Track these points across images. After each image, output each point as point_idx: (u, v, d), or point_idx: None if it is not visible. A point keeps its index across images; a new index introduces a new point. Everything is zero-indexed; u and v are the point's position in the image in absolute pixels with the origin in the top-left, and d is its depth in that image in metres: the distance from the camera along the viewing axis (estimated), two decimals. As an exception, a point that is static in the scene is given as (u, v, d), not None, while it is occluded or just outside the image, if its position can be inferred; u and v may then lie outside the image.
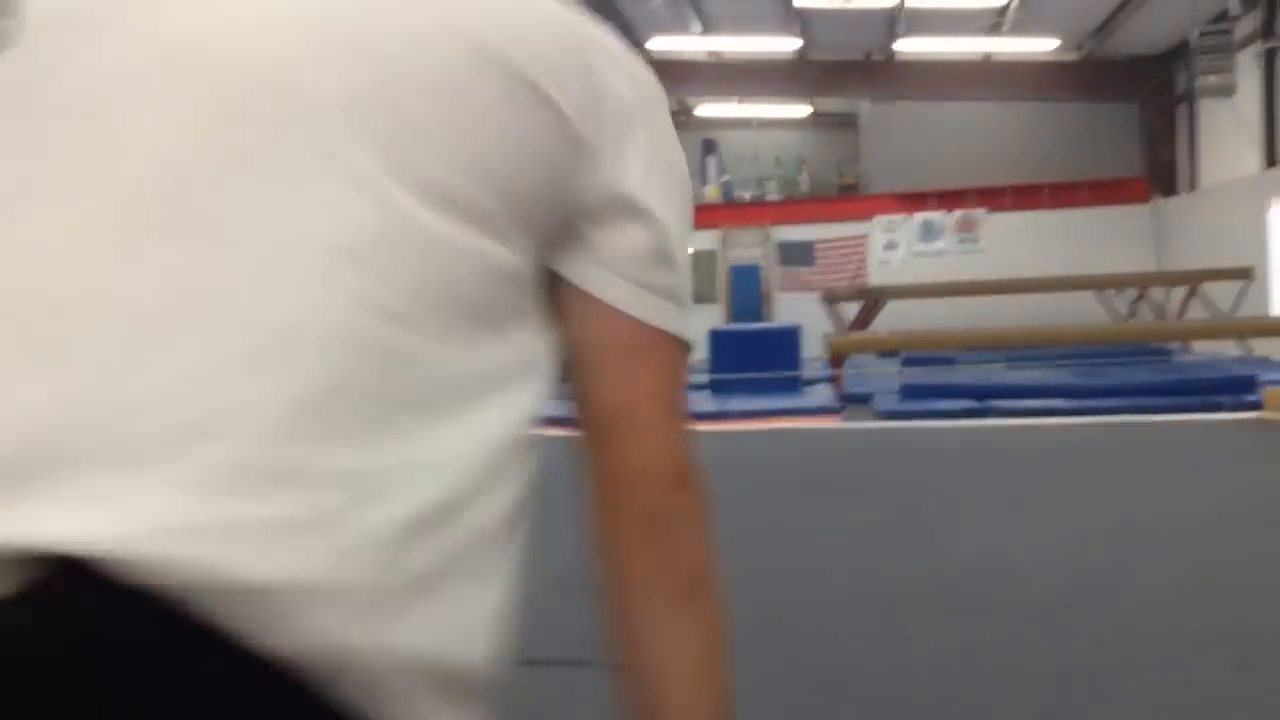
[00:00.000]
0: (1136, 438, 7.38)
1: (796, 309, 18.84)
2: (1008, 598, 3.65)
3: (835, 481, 5.85)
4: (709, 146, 22.99)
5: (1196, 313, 15.40)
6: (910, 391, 10.34)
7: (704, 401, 12.01)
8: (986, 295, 16.38)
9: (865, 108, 21.10)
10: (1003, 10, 15.61)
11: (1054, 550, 4.27)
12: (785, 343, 12.81)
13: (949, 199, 20.16)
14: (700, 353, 13.87)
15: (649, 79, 0.78)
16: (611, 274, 0.69)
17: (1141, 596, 3.61)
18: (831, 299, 16.74)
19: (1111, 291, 16.70)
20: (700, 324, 15.52)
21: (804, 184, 22.60)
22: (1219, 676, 2.88)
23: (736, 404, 11.28)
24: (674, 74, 20.40)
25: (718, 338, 13.17)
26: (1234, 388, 9.76)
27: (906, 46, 17.84)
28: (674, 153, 0.75)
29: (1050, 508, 5.07)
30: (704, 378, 13.24)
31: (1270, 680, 2.86)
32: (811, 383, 12.71)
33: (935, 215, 20.29)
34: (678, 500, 0.73)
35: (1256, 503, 5.05)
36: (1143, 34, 16.55)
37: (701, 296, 21.51)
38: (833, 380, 11.81)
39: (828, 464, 6.64)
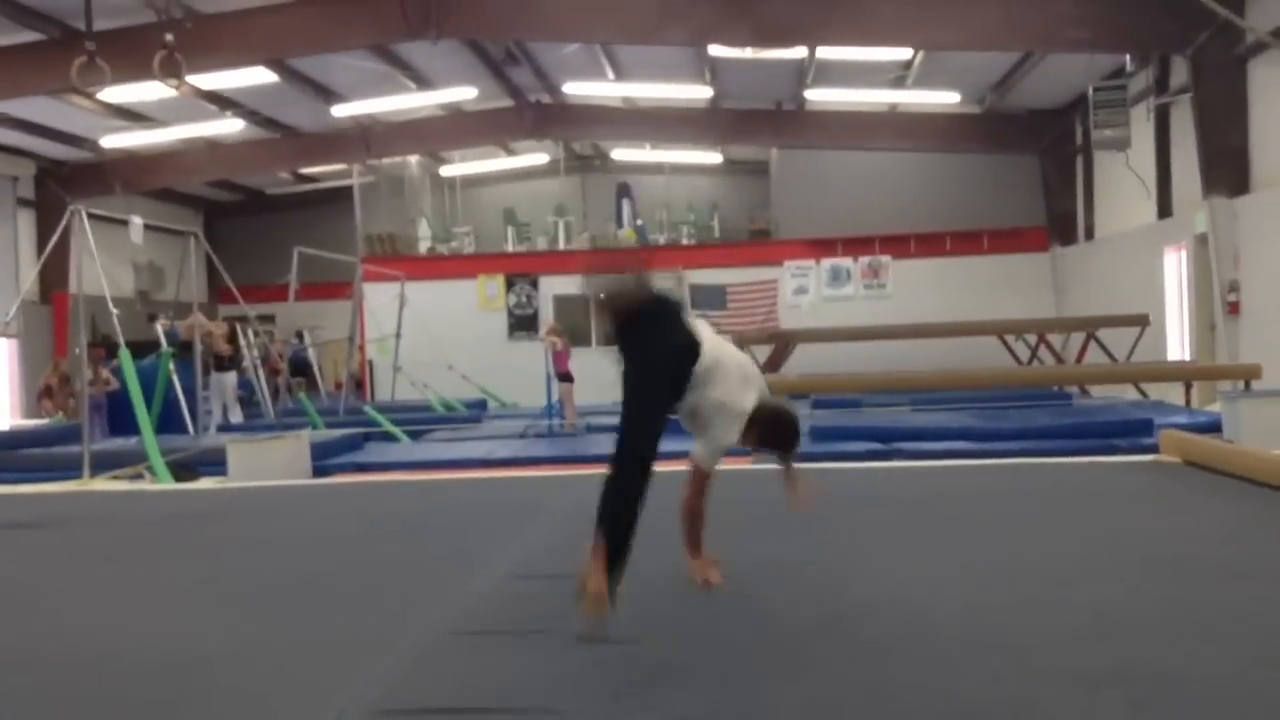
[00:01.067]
0: (1037, 480, 7.50)
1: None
2: (910, 639, 3.66)
3: (741, 522, 5.83)
4: (624, 190, 23.13)
5: (1095, 357, 15.84)
6: (819, 434, 10.43)
7: (612, 442, 11.99)
8: (893, 340, 16.68)
9: (776, 155, 21.44)
10: (907, 64, 16.03)
11: (956, 590, 4.30)
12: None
13: (856, 245, 20.56)
14: (616, 394, 13.85)
15: None
16: None
17: (1040, 637, 3.64)
18: (743, 342, 16.85)
19: (1013, 336, 17.12)
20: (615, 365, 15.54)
21: (716, 229, 22.83)
22: (1115, 716, 2.90)
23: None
24: (588, 118, 20.54)
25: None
26: (1131, 431, 10.04)
27: (816, 96, 18.20)
28: None
29: (953, 549, 5.12)
30: (614, 419, 13.23)
31: (1165, 720, 2.88)
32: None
33: (843, 261, 20.66)
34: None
35: (1152, 544, 5.15)
36: (1042, 88, 17.12)
37: (616, 339, 21.60)
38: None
39: (735, 505, 6.63)
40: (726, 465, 8.89)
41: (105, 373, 13.43)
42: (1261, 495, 6.29)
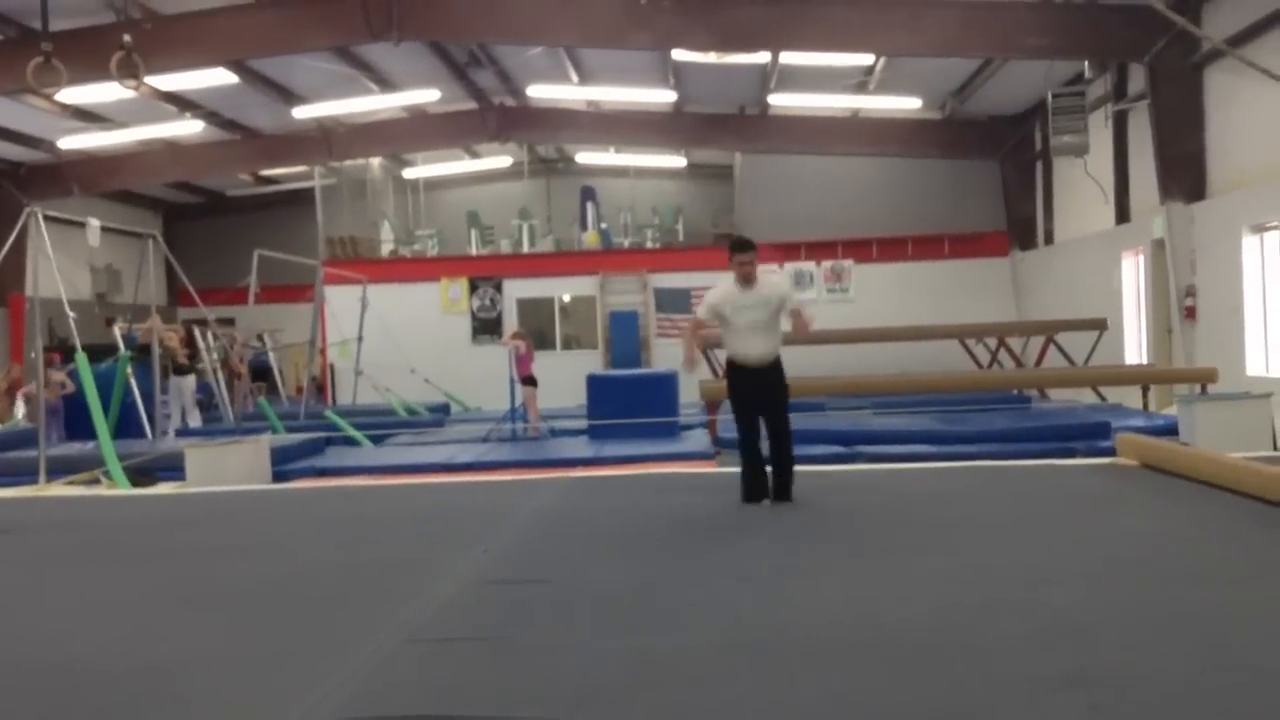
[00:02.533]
0: (996, 483, 7.57)
1: (674, 354, 19.00)
2: (873, 643, 3.68)
3: (705, 527, 5.84)
4: (588, 193, 23.10)
5: (1054, 361, 16.00)
6: (782, 437, 10.42)
7: (580, 446, 11.96)
8: (855, 343, 16.76)
9: (740, 159, 21.49)
10: (869, 70, 16.12)
11: (916, 594, 4.33)
12: (662, 388, 12.86)
13: (819, 249, 20.65)
14: (580, 397, 13.85)
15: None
16: None
17: (1000, 640, 3.68)
18: (706, 346, 16.88)
19: (973, 340, 17.26)
20: (579, 368, 15.52)
21: (680, 233, 22.86)
22: (1074, 719, 2.93)
23: (613, 449, 11.26)
24: (552, 122, 20.50)
25: (595, 383, 13.14)
26: (1089, 434, 10.14)
27: (779, 101, 18.27)
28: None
29: (914, 552, 5.15)
30: (581, 423, 13.21)
31: (1123, 722, 2.91)
32: (689, 428, 12.77)
33: (806, 265, 20.74)
34: None
35: (1110, 547, 5.21)
36: (1002, 95, 17.28)
37: (581, 342, 21.55)
38: (707, 426, 11.88)
39: (700, 510, 6.64)
40: (688, 469, 8.87)
41: (61, 375, 13.25)
42: (1217, 498, 6.38)
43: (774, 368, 6.72)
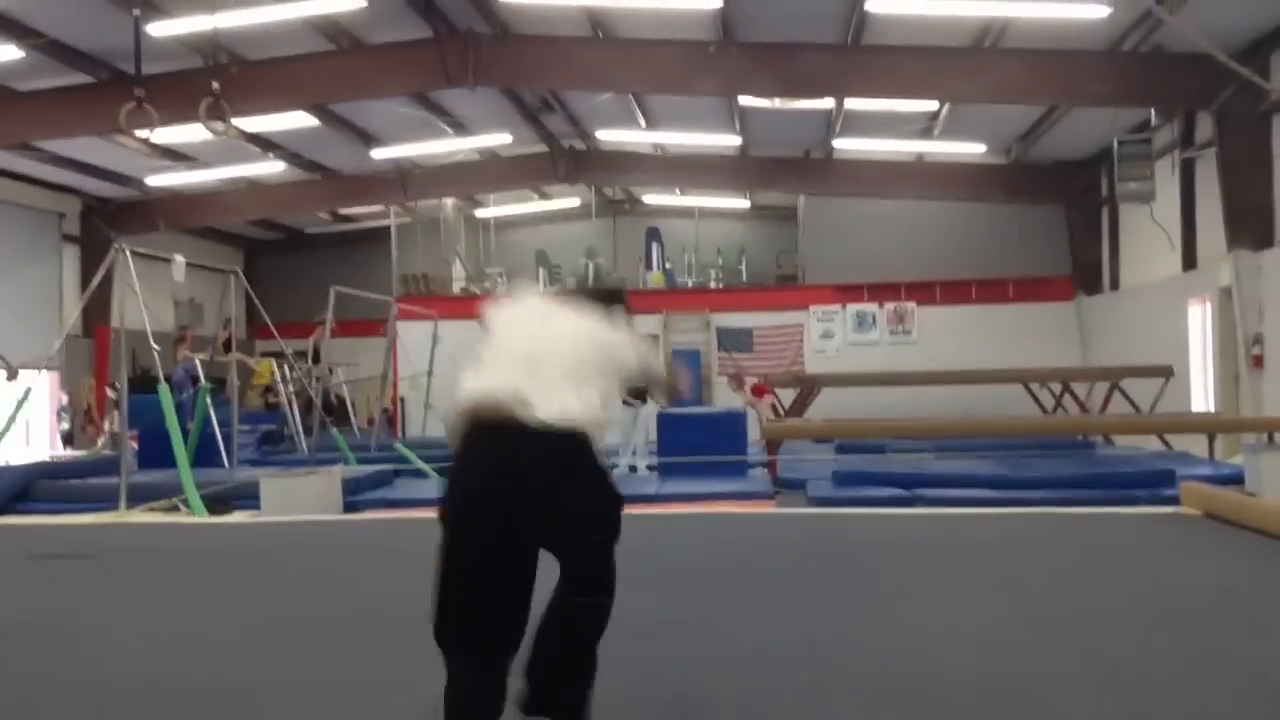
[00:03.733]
0: (1057, 529, 7.57)
1: (735, 394, 19.11)
2: (926, 688, 3.75)
3: (764, 568, 5.95)
4: (653, 234, 23.36)
5: (1119, 407, 15.84)
6: (842, 479, 10.52)
7: (646, 483, 12.11)
8: (917, 386, 16.74)
9: (803, 201, 21.62)
10: (934, 115, 16.20)
11: (972, 640, 4.39)
12: (730, 428, 12.97)
13: (881, 292, 20.66)
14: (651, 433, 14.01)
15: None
16: None
17: (1054, 687, 3.73)
18: (770, 384, 17.00)
19: (1037, 384, 17.13)
20: (645, 406, 15.66)
21: (743, 273, 23.00)
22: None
23: (677, 486, 11.39)
24: (620, 165, 20.81)
25: (665, 421, 13.28)
26: (1153, 482, 10.05)
27: (843, 145, 18.40)
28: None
29: (971, 597, 5.21)
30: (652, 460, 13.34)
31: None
32: (751, 467, 12.86)
33: (869, 307, 20.76)
34: None
35: (1169, 596, 5.22)
36: (1067, 140, 17.24)
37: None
38: (768, 465, 11.97)
39: (758, 550, 6.74)
40: (743, 509, 8.92)
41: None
42: None
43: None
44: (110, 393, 14.05)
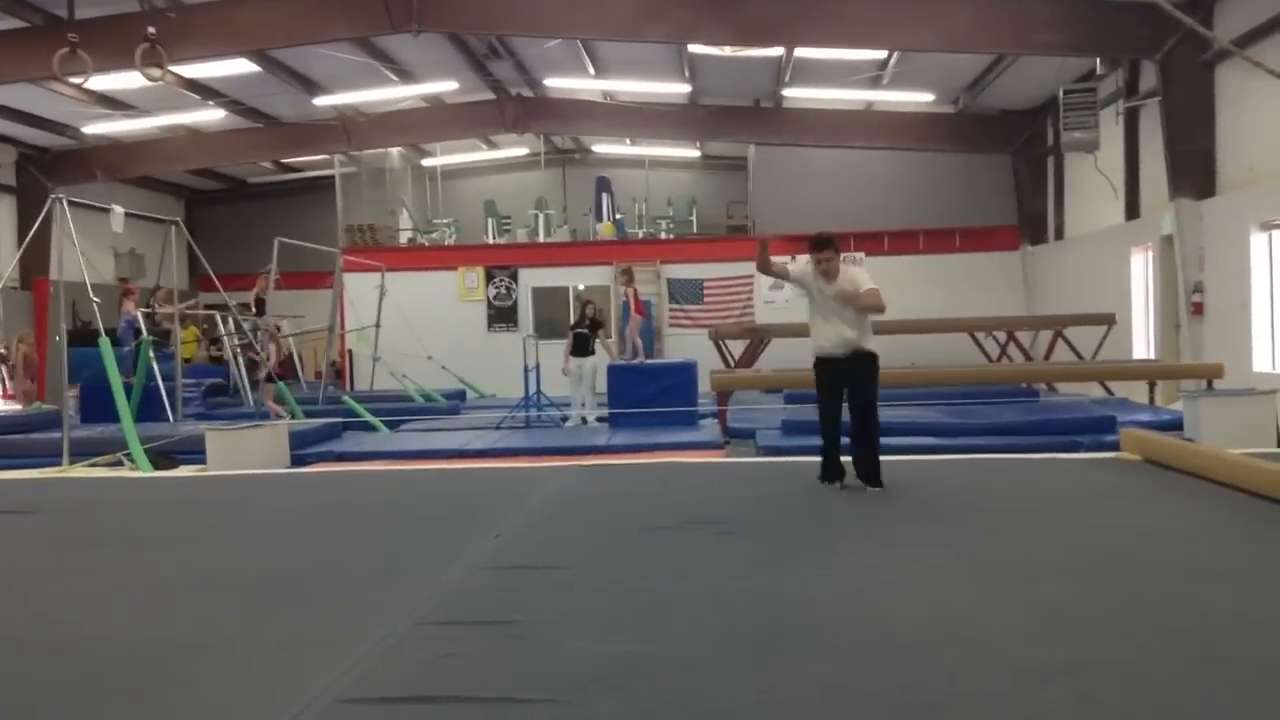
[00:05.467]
0: (1000, 475, 7.69)
1: (686, 344, 19.13)
2: (868, 633, 3.80)
3: (712, 518, 5.98)
4: (603, 184, 23.21)
5: (1062, 355, 16.07)
6: (790, 428, 10.59)
7: (596, 434, 12.13)
8: (866, 336, 16.86)
9: (754, 151, 21.57)
10: (883, 64, 16.19)
11: (915, 585, 4.45)
12: (681, 378, 13.01)
13: (831, 242, 20.74)
14: (597, 385, 14.02)
15: None
16: None
17: (994, 631, 3.79)
18: (718, 336, 17.05)
19: (983, 333, 17.33)
20: (596, 357, 15.69)
21: (694, 223, 22.96)
22: (1062, 710, 3.03)
23: (627, 437, 11.42)
24: (569, 113, 20.63)
25: (615, 372, 13.28)
26: (1094, 428, 10.24)
27: (793, 94, 18.35)
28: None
29: (914, 543, 5.27)
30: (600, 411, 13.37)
31: (1110, 714, 3.03)
32: (702, 417, 12.92)
33: (819, 257, 20.84)
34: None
35: (1109, 541, 5.31)
36: (1014, 90, 17.32)
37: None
38: (718, 416, 12.02)
39: (706, 499, 6.78)
40: (701, 458, 8.99)
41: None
42: (1219, 494, 6.47)
43: (861, 356, 7.07)
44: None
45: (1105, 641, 3.64)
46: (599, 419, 13.26)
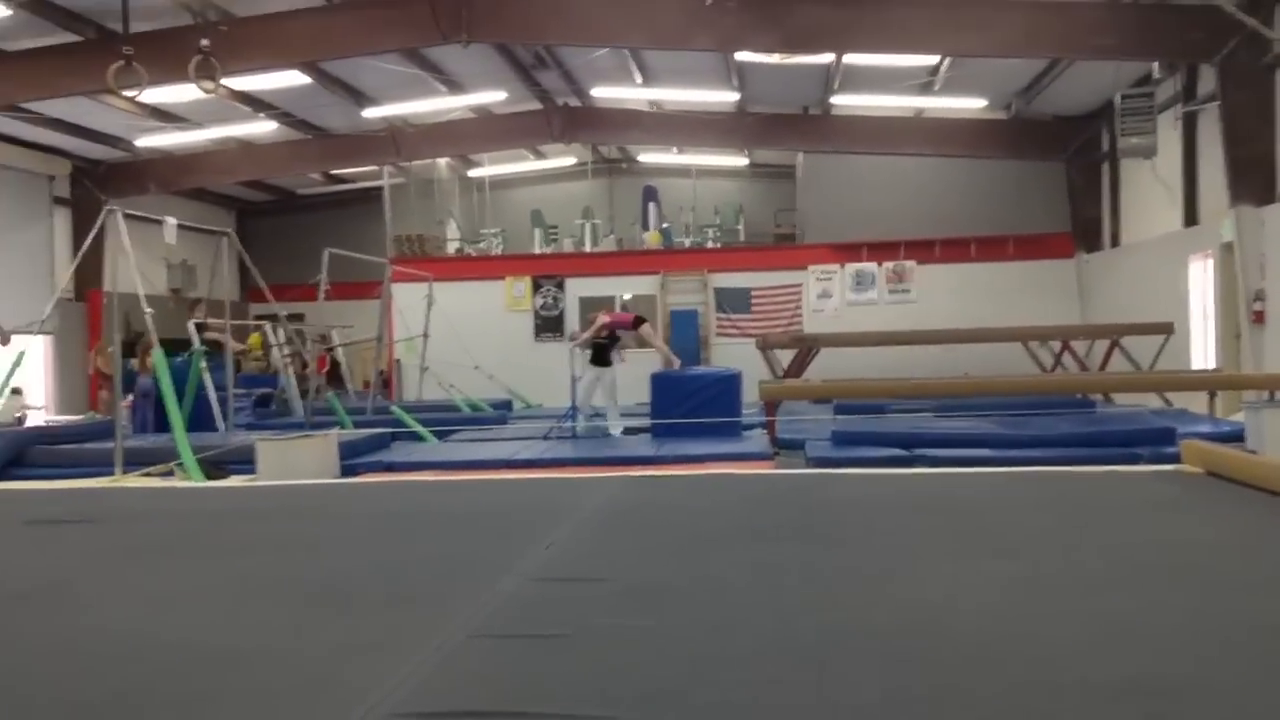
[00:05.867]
0: (1058, 488, 7.53)
1: (733, 353, 19.05)
2: (930, 647, 3.71)
3: (765, 529, 5.90)
4: (650, 193, 23.22)
5: (1119, 365, 15.80)
6: (841, 439, 10.49)
7: (643, 445, 12.07)
8: (917, 345, 16.68)
9: (802, 159, 21.46)
10: (934, 70, 16.04)
11: (975, 599, 4.35)
12: (726, 388, 12.93)
13: (880, 250, 20.56)
14: (640, 395, 13.96)
15: None
16: None
17: (1057, 646, 3.68)
18: (766, 345, 16.94)
19: (1037, 343, 17.09)
20: (640, 367, 15.67)
21: (741, 232, 22.87)
22: (1131, 726, 2.93)
23: (674, 448, 11.35)
24: (616, 123, 20.64)
25: (659, 382, 13.23)
26: (1153, 440, 10.05)
27: (842, 101, 18.23)
28: None
29: (973, 556, 5.16)
30: (644, 421, 13.33)
31: (1179, 730, 2.92)
32: (749, 428, 12.83)
33: (868, 266, 20.66)
34: None
35: (1172, 554, 5.17)
36: (1068, 95, 17.09)
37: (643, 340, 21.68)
38: (766, 426, 11.93)
39: (758, 510, 6.70)
40: (748, 469, 8.95)
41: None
42: (1282, 507, 6.30)
43: None
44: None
45: (1171, 658, 3.53)
46: (624, 431, 13.26)
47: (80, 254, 12.99)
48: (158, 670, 3.73)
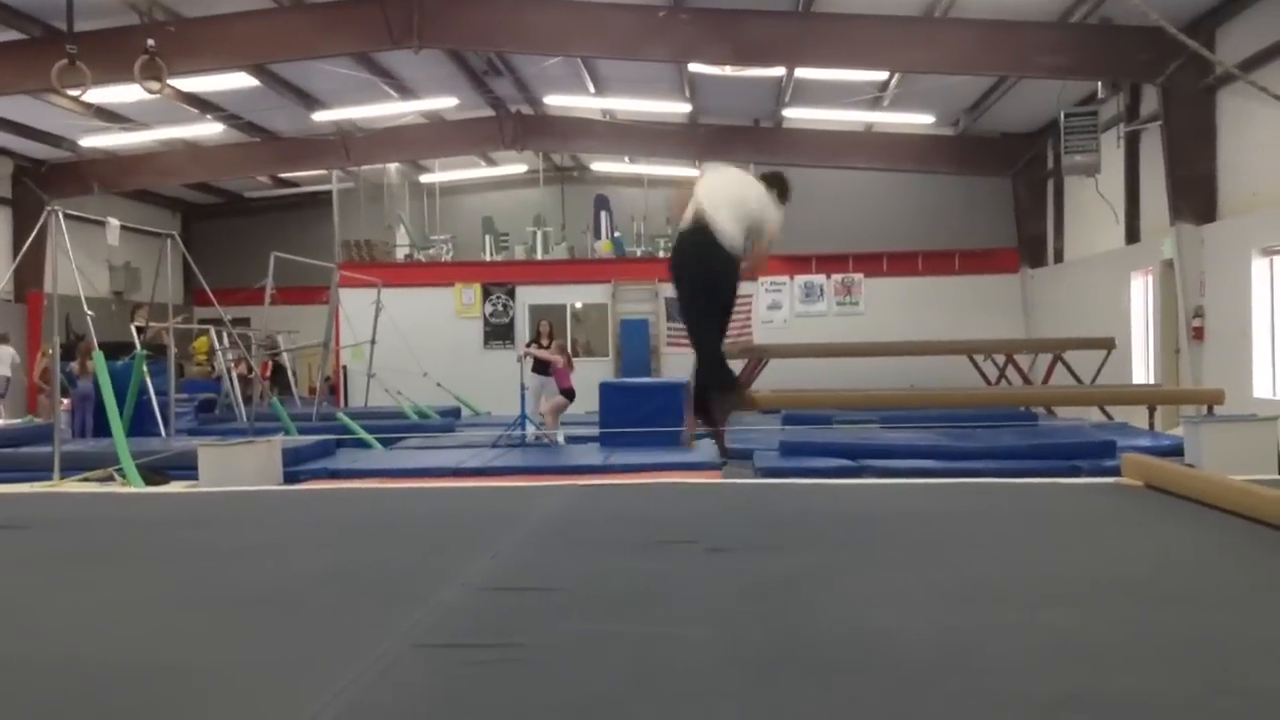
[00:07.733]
0: (1001, 500, 7.61)
1: (684, 363, 19.10)
2: (870, 659, 3.71)
3: (712, 539, 5.90)
4: (601, 202, 23.22)
5: (1061, 379, 16.02)
6: (788, 449, 10.54)
7: (591, 454, 12.05)
8: (864, 357, 16.82)
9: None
10: (884, 86, 16.20)
11: (918, 611, 4.36)
12: (675, 397, 12.94)
13: (829, 263, 20.73)
14: (591, 404, 13.94)
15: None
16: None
17: (998, 659, 3.70)
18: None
19: (981, 356, 17.30)
20: (590, 376, 15.63)
21: (692, 242, 22.92)
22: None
23: (622, 457, 11.34)
24: (568, 131, 20.63)
25: (608, 391, 13.22)
26: (1094, 453, 10.19)
27: (793, 115, 18.36)
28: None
29: (915, 568, 5.19)
30: (592, 430, 13.32)
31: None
32: (699, 437, 12.85)
33: (817, 278, 20.82)
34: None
35: (1112, 567, 5.23)
36: (1015, 113, 17.34)
37: (593, 349, 21.62)
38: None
39: (706, 521, 6.70)
40: (697, 479, 8.92)
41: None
42: (1221, 520, 6.39)
43: None
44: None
45: (1111, 670, 3.56)
46: (564, 439, 13.39)
47: (20, 255, 12.74)
48: (89, 682, 3.65)
